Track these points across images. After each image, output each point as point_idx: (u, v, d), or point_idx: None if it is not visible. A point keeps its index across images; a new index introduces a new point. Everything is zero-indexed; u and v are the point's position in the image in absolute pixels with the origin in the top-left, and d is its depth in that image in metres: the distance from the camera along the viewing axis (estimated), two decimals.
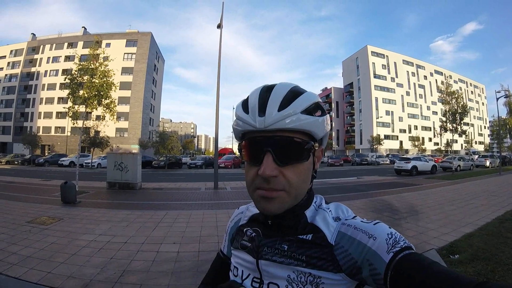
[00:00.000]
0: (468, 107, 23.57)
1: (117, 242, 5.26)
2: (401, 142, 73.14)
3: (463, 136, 23.93)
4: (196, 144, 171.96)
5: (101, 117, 12.59)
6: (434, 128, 72.86)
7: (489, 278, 3.54)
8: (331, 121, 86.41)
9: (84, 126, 12.86)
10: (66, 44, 60.11)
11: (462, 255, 4.40)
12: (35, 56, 61.96)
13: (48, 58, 60.89)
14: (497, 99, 25.56)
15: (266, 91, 0.67)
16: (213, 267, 0.91)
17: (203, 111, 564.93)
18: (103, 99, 11.99)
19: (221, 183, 14.77)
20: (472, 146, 66.96)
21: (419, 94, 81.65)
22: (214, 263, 0.92)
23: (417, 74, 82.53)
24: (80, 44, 56.92)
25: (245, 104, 0.69)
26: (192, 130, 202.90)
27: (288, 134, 0.63)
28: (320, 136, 0.68)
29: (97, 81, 11.80)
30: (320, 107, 0.68)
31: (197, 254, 4.72)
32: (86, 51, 13.14)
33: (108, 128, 19.21)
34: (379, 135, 55.07)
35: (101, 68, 12.10)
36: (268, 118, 0.62)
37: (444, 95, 23.36)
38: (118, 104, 13.75)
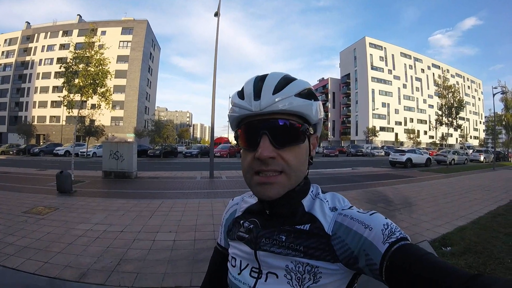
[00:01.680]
0: (464, 102, 23.62)
1: (114, 231, 5.28)
2: (396, 134, 73.51)
3: (458, 130, 24.06)
4: (191, 133, 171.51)
5: (97, 105, 12.46)
6: (429, 121, 73.39)
7: (480, 271, 3.61)
8: (326, 111, 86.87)
9: (79, 115, 12.77)
10: (61, 32, 59.31)
11: (454, 247, 4.48)
12: (30, 45, 61.10)
13: (43, 46, 60.09)
14: (494, 95, 25.64)
15: (260, 79, 0.69)
16: (212, 262, 0.91)
17: (199, 100, 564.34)
18: (98, 88, 11.87)
19: (216, 172, 14.80)
20: (467, 141, 67.14)
21: (416, 87, 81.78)
22: (213, 257, 0.92)
23: (415, 67, 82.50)
24: (75, 32, 56.17)
25: (240, 92, 0.70)
26: (187, 119, 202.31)
27: (283, 116, 0.65)
28: (314, 121, 0.69)
29: (92, 69, 11.67)
30: (312, 93, 0.69)
31: (193, 242, 4.75)
32: (82, 39, 12.97)
33: (103, 117, 19.11)
34: (374, 126, 55.21)
35: (97, 56, 11.96)
36: (263, 101, 0.64)
37: (441, 89, 23.38)
38: (113, 93, 13.61)
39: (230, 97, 0.75)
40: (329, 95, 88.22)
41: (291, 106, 0.64)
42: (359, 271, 0.63)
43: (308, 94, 0.68)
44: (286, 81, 0.67)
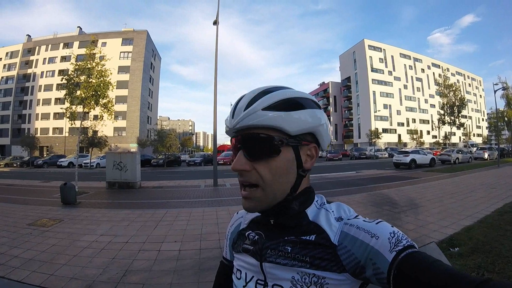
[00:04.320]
0: (465, 100, 23.60)
1: (119, 242, 5.27)
2: (399, 136, 73.25)
3: (461, 128, 23.97)
4: (194, 141, 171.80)
5: (99, 116, 12.51)
6: (432, 121, 73.17)
7: (489, 270, 3.57)
8: (328, 115, 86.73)
9: (82, 126, 12.82)
10: (61, 44, 59.87)
11: (462, 248, 4.43)
12: (31, 58, 61.66)
13: (44, 59, 60.63)
14: (495, 91, 25.56)
15: (241, 97, 0.70)
16: (218, 276, 0.91)
17: (201, 108, 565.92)
18: (100, 99, 11.94)
19: (220, 180, 14.77)
20: (470, 139, 66.99)
21: (417, 87, 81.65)
22: (219, 272, 0.91)
23: (415, 67, 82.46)
24: (76, 44, 56.60)
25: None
26: (190, 128, 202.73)
27: (257, 131, 0.66)
28: (293, 132, 0.66)
29: (94, 81, 11.75)
30: (296, 103, 0.67)
31: (199, 252, 4.73)
32: (82, 51, 13.07)
33: (106, 128, 19.14)
34: (377, 128, 55.06)
35: (98, 67, 12.05)
36: (235, 118, 0.67)
37: (442, 88, 23.41)
38: (115, 103, 13.72)
39: (231, 104, 0.76)
40: (331, 99, 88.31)
41: (258, 121, 0.64)
42: (366, 281, 0.62)
43: (284, 105, 0.66)
44: (263, 94, 0.67)
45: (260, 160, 0.65)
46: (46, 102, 58.57)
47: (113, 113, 12.68)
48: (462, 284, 0.47)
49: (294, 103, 0.67)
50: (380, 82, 74.59)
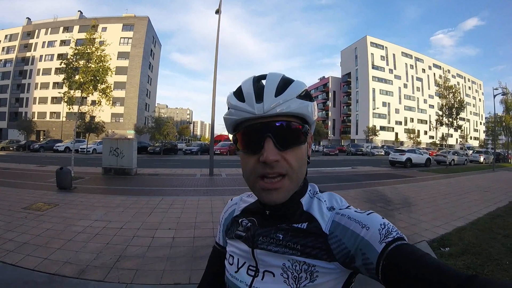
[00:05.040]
0: (465, 102, 23.69)
1: (113, 227, 5.29)
2: (396, 134, 73.47)
3: (459, 131, 24.13)
4: (192, 130, 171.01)
5: (97, 102, 12.42)
6: (430, 121, 73.33)
7: (478, 272, 3.62)
8: (327, 110, 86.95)
9: (79, 111, 12.74)
10: (61, 28, 59.08)
11: (452, 248, 4.48)
12: (30, 41, 60.90)
13: (44, 42, 59.84)
14: (494, 96, 25.60)
15: (258, 80, 0.69)
16: (211, 261, 0.91)
17: (200, 97, 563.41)
18: (99, 84, 11.85)
19: (216, 170, 14.81)
20: (467, 141, 67.18)
21: (417, 87, 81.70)
22: (211, 257, 0.92)
23: (416, 66, 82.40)
24: (76, 28, 56.09)
25: (238, 94, 0.69)
26: (188, 116, 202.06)
27: (285, 118, 0.65)
28: (312, 121, 0.70)
29: (93, 65, 11.64)
30: (309, 94, 0.70)
31: (192, 240, 4.77)
32: (82, 36, 12.92)
33: (103, 113, 19.10)
34: (375, 126, 55.19)
35: (97, 52, 11.94)
36: (267, 104, 0.63)
37: (442, 89, 23.48)
38: (114, 89, 13.59)
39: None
40: (330, 93, 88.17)
41: (293, 108, 0.64)
42: (355, 270, 0.63)
43: (306, 95, 0.68)
44: (285, 82, 0.67)
45: (288, 149, 0.65)
46: (44, 86, 58.00)
47: (111, 99, 12.59)
48: (450, 278, 0.48)
49: (309, 95, 0.70)
50: (380, 80, 74.52)
